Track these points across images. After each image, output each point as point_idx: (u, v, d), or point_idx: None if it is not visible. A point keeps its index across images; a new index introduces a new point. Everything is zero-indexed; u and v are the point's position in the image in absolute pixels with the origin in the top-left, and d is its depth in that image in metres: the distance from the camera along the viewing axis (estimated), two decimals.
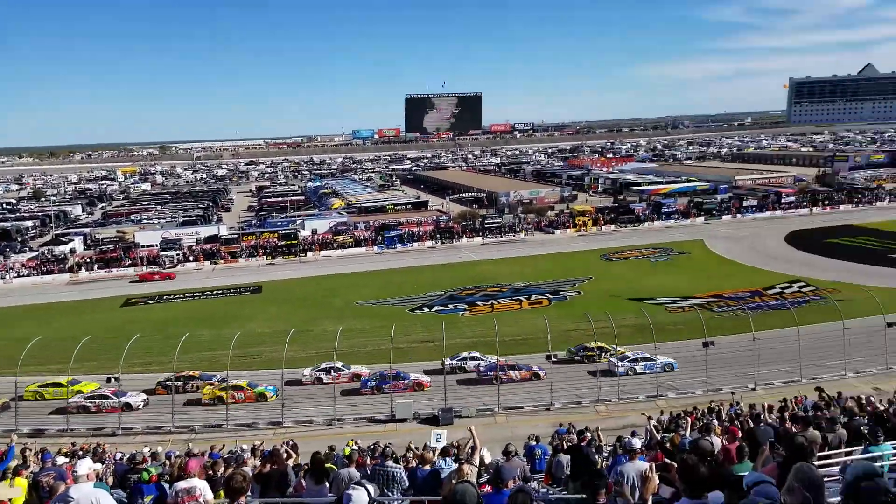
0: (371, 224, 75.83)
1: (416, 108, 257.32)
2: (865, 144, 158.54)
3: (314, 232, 73.99)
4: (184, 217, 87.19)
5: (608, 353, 34.52)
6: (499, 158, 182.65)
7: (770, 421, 18.42)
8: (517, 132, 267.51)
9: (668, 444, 12.97)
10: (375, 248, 70.27)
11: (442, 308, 46.76)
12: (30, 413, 31.18)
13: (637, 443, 9.65)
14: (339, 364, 34.03)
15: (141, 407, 32.07)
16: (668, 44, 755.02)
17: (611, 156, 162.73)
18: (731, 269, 53.77)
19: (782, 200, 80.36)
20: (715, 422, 21.83)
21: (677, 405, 27.28)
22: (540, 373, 33.10)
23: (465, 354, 35.15)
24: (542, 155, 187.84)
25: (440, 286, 52.27)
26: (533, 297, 48.41)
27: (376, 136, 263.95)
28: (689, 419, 22.89)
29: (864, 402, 18.70)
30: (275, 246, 69.45)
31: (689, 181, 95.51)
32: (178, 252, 67.79)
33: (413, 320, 43.96)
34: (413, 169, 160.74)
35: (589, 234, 72.41)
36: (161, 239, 71.39)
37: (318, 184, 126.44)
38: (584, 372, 33.37)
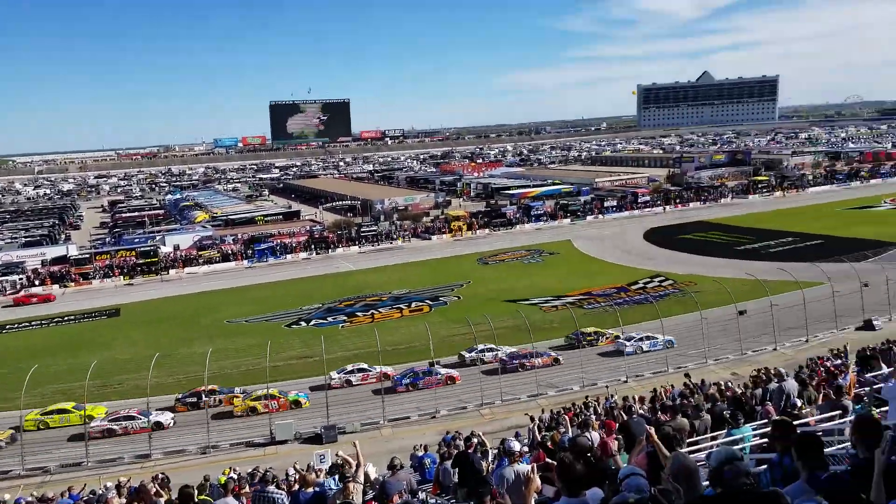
0: (239, 237, 72.56)
1: (283, 115, 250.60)
2: (708, 145, 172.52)
3: (176, 248, 69.79)
4: (26, 237, 79.32)
5: (604, 337, 37.05)
6: (371, 165, 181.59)
7: (642, 412, 19.27)
8: (388, 139, 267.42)
9: (549, 443, 13.06)
10: (245, 262, 67.27)
11: (320, 321, 45.43)
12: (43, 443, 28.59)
13: (516, 445, 9.53)
14: (364, 365, 33.85)
15: (172, 425, 29.98)
16: (527, 53, 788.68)
17: (480, 161, 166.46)
18: (598, 267, 56.35)
19: (639, 200, 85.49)
20: (592, 417, 22.55)
21: (557, 402, 27.94)
22: (559, 357, 34.70)
23: (482, 347, 34.93)
24: (415, 161, 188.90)
25: (317, 299, 50.86)
26: (413, 304, 48.20)
27: (240, 145, 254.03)
28: (567, 416, 23.47)
29: (723, 387, 19.97)
30: (133, 265, 64.65)
31: (554, 184, 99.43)
32: (20, 276, 61.56)
33: (290, 336, 42.38)
34: (282, 178, 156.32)
35: (465, 239, 73.45)
36: (0, 262, 64.64)
37: (178, 196, 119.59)
38: (594, 355, 35.13)
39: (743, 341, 34.21)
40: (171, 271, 64.66)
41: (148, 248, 66.94)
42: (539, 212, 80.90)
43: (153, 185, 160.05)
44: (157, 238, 72.29)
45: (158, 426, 29.37)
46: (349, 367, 33.81)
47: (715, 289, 40.77)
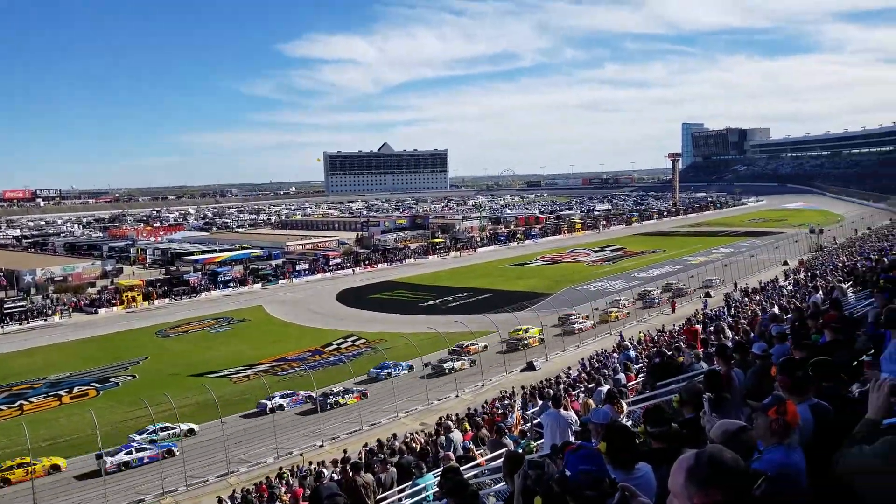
0: None
1: None
2: (392, 211, 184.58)
3: None
4: None
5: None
6: (18, 230, 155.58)
7: (334, 475, 19.14)
8: (41, 199, 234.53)
9: None
10: None
11: None
12: None
13: None
14: None
15: None
16: (210, 114, 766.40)
17: (158, 224, 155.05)
18: (293, 332, 55.66)
19: (330, 262, 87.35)
20: (282, 489, 21.74)
21: (250, 479, 26.35)
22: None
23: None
24: (76, 225, 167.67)
25: None
26: (76, 389, 41.90)
27: None
28: (261, 492, 22.29)
29: (409, 439, 20.91)
30: None
31: (243, 248, 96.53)
32: None
33: None
34: None
35: (140, 311, 66.76)
36: None
37: None
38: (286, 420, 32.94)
39: (430, 391, 36.37)
40: None
41: None
42: (227, 277, 77.64)
43: None
44: None
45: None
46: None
47: (403, 344, 42.92)
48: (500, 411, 22.12)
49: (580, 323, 48.25)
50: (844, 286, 20.16)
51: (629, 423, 9.11)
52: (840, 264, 42.53)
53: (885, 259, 22.78)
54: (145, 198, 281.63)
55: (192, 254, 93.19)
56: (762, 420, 3.52)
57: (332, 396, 35.93)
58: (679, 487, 2.42)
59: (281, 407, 35.42)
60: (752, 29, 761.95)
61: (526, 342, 43.88)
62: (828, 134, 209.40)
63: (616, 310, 51.97)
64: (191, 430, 32.41)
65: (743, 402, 5.88)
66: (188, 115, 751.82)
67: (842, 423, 4.11)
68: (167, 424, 32.04)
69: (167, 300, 70.57)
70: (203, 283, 75.70)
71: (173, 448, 30.30)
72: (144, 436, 31.70)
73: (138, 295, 69.33)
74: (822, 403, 4.32)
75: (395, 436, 25.65)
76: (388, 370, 39.83)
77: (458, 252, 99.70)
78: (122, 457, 29.22)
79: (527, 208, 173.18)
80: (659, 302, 55.78)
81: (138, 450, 30.11)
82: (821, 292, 20.77)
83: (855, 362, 6.87)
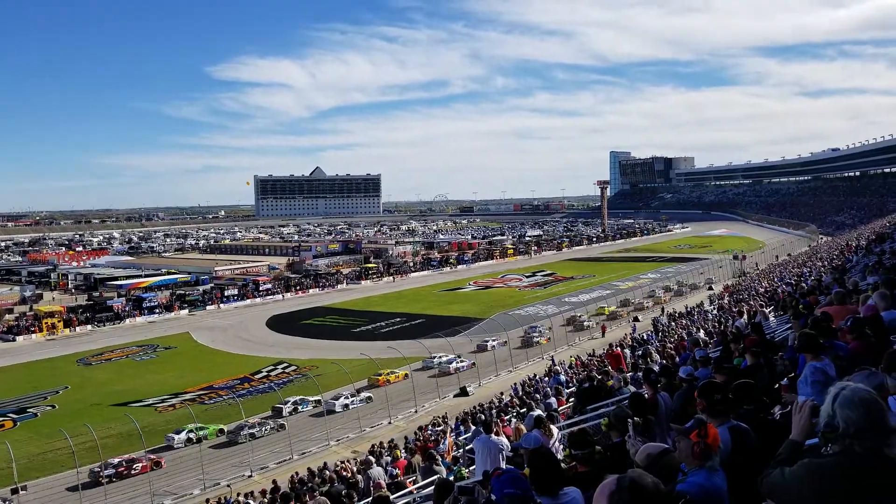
0: None
1: None
2: (324, 235, 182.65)
3: None
4: None
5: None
6: None
7: None
8: None
9: None
10: None
11: None
12: None
13: None
14: None
15: None
16: (136, 136, 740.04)
17: (81, 249, 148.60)
18: (221, 359, 54.02)
19: (260, 288, 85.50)
20: None
21: None
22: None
23: None
24: None
25: None
26: None
27: None
28: None
29: (339, 467, 20.55)
30: None
31: (169, 273, 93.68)
32: None
33: None
34: None
35: (61, 338, 63.58)
36: None
37: None
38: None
39: (361, 419, 35.84)
40: None
41: None
42: (153, 303, 74.90)
43: None
44: None
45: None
46: None
47: (335, 371, 42.25)
48: (432, 437, 22.01)
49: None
50: (766, 311, 21.07)
51: (560, 447, 9.22)
52: (762, 289, 44.46)
53: (805, 284, 23.99)
54: (68, 221, 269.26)
55: (116, 279, 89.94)
56: (684, 443, 3.63)
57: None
58: None
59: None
60: (677, 61, 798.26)
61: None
62: (749, 163, 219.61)
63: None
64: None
65: (669, 426, 6.05)
66: (112, 137, 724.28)
67: (763, 444, 4.28)
68: None
69: (89, 327, 67.52)
70: (128, 309, 72.81)
71: None
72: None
73: (59, 321, 66.11)
74: (740, 425, 4.49)
75: (325, 465, 25.13)
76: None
77: (392, 277, 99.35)
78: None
79: (460, 234, 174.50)
80: (589, 326, 56.86)
81: None
82: (744, 317, 21.63)
83: (776, 385, 7.18)
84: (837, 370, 5.62)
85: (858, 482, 2.53)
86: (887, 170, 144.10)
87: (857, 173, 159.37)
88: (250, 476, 29.76)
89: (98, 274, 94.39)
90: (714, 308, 47.14)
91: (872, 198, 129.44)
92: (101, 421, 34.72)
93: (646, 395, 7.26)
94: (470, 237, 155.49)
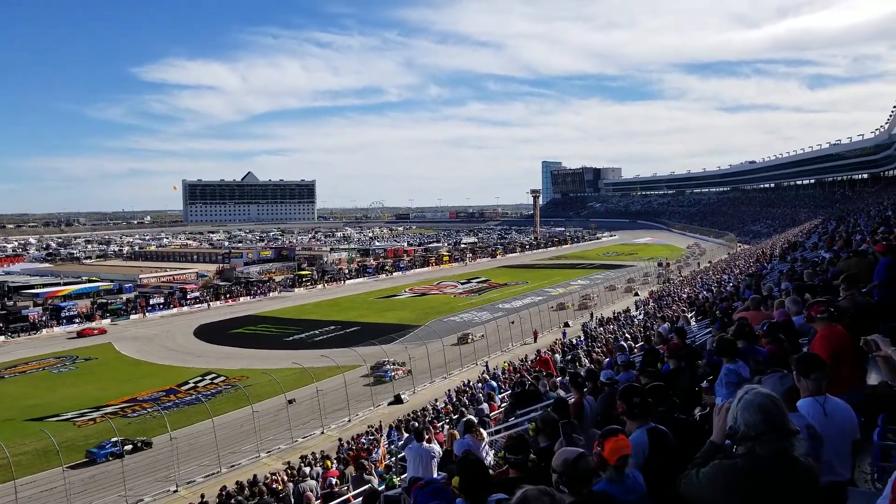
0: None
1: None
2: (256, 242, 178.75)
3: None
4: None
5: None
6: None
7: None
8: None
9: None
10: None
11: None
12: None
13: None
14: None
15: None
16: (55, 137, 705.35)
17: None
18: (145, 370, 52.04)
19: (188, 296, 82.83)
20: None
21: None
22: None
23: None
24: None
25: None
26: None
27: None
28: None
29: (269, 480, 20.14)
30: None
31: (91, 281, 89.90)
32: None
33: None
34: None
35: None
36: None
37: None
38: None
39: (293, 429, 35.15)
40: None
41: None
42: (72, 312, 71.54)
43: None
44: None
45: None
46: None
47: (266, 381, 41.30)
48: (365, 446, 21.86)
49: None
50: (688, 316, 21.89)
51: (492, 452, 9.32)
52: (685, 295, 46.03)
53: (724, 290, 25.04)
54: None
55: (32, 287, 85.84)
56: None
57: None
58: None
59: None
60: (604, 76, 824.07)
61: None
62: (673, 175, 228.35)
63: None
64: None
65: (593, 430, 6.21)
66: (31, 138, 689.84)
67: (681, 446, 4.45)
68: None
69: (2, 338, 63.99)
70: (44, 318, 69.39)
71: None
72: None
73: None
74: (659, 427, 4.66)
75: (255, 477, 24.59)
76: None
77: (326, 284, 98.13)
78: None
79: (396, 240, 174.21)
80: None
81: None
82: (667, 322, 22.38)
83: (696, 388, 7.47)
84: (752, 372, 5.91)
85: (761, 482, 2.69)
86: (799, 182, 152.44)
87: (772, 185, 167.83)
88: (175, 491, 28.80)
89: (12, 282, 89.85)
90: (640, 313, 48.57)
91: (786, 208, 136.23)
92: (14, 437, 32.90)
93: (570, 400, 7.44)
94: (406, 244, 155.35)
